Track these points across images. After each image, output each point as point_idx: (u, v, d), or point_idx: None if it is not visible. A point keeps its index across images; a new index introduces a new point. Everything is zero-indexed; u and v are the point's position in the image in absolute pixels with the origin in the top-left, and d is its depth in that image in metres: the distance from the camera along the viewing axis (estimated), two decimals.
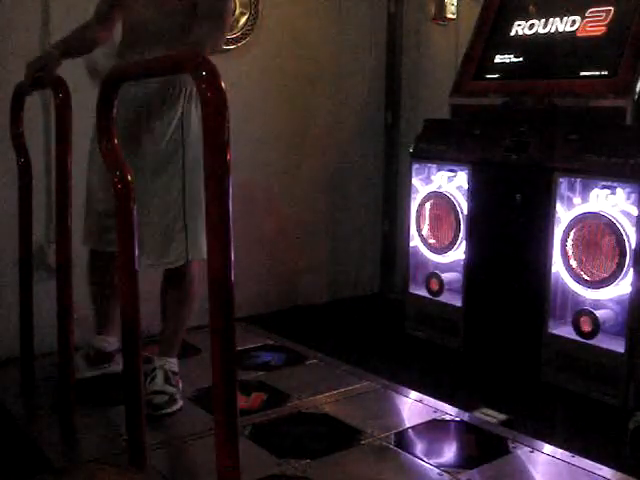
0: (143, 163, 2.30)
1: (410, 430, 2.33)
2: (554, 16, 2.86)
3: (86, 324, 2.56)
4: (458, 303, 2.98)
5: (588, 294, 2.53)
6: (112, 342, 2.61)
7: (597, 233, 2.48)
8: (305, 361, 2.92)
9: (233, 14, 3.34)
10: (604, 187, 2.46)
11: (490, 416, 2.38)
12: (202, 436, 2.19)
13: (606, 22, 2.68)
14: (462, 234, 2.96)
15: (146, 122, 2.33)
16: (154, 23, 2.34)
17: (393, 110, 3.93)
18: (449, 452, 2.25)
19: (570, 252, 2.54)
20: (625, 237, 2.39)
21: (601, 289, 2.47)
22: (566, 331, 2.58)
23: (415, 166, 3.15)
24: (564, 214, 2.57)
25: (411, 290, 3.20)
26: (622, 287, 2.42)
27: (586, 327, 2.49)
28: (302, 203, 3.74)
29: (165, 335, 2.51)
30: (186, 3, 2.30)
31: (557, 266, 2.59)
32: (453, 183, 3.01)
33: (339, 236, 3.88)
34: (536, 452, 2.15)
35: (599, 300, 2.51)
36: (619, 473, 2.03)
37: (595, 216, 2.47)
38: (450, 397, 2.53)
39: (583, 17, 2.76)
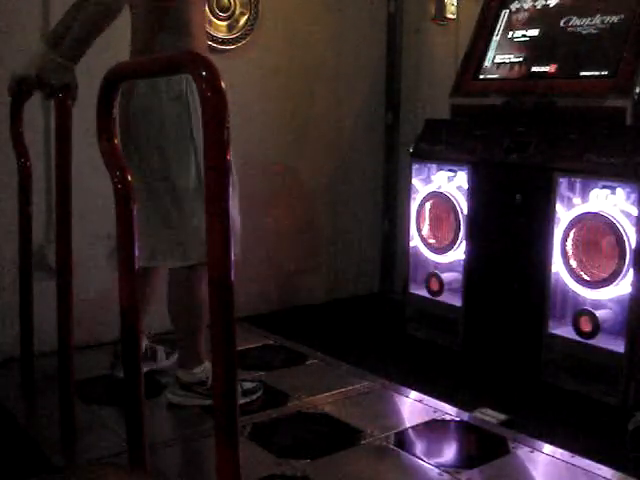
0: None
1: (410, 430, 2.33)
2: (554, 16, 2.86)
3: (86, 324, 2.56)
4: (458, 303, 2.98)
5: (588, 294, 2.53)
6: None
7: (597, 233, 2.48)
8: (305, 361, 2.92)
9: (233, 14, 3.35)
10: (604, 187, 2.46)
11: (490, 416, 2.38)
12: (202, 436, 2.19)
13: (606, 22, 2.68)
14: (462, 234, 2.95)
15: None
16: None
17: (393, 110, 3.93)
18: (449, 452, 2.25)
19: (570, 252, 2.54)
20: (625, 237, 2.39)
21: (601, 289, 2.47)
22: (566, 331, 2.58)
23: (415, 166, 3.15)
24: (564, 214, 2.57)
25: (411, 290, 3.20)
26: (622, 287, 2.42)
27: (586, 327, 2.49)
28: (302, 203, 3.74)
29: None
30: None
31: (557, 266, 2.59)
32: (453, 183, 3.01)
33: (339, 236, 3.88)
34: (536, 452, 2.15)
35: (599, 300, 2.51)
36: (619, 473, 2.03)
37: (595, 216, 2.47)
38: (450, 397, 2.53)
39: (584, 17, 2.76)
